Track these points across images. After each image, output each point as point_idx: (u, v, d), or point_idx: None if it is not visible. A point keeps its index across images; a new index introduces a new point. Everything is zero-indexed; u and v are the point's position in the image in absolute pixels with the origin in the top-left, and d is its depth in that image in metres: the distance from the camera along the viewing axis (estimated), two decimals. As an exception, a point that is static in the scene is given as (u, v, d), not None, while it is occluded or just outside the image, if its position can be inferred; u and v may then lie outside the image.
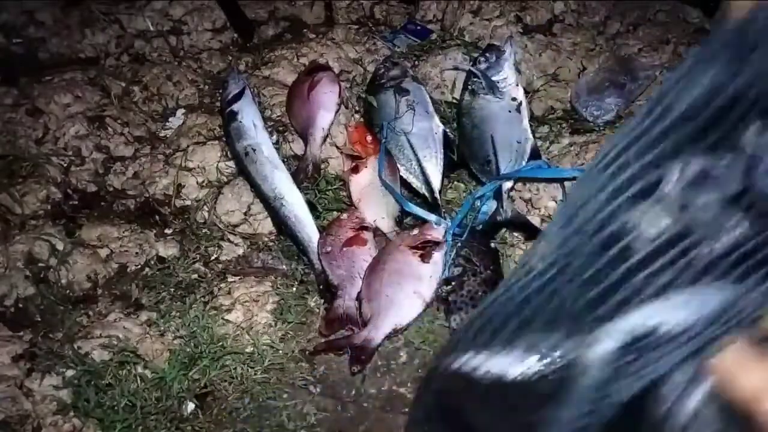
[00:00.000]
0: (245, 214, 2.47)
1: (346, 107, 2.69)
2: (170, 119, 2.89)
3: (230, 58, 3.25)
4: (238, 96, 2.59)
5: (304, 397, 1.99)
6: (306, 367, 2.05)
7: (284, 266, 2.37)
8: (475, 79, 2.53)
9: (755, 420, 1.12)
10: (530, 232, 2.27)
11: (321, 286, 2.24)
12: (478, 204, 2.35)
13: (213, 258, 2.37)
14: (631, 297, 1.12)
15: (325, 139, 2.59)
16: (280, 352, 2.06)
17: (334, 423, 1.94)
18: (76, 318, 2.11)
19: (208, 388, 1.98)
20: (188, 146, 2.62)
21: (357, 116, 2.74)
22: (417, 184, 2.44)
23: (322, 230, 2.34)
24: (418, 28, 3.21)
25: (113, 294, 2.25)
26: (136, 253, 2.35)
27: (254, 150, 2.45)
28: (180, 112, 2.92)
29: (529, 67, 2.82)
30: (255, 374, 2.01)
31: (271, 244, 2.43)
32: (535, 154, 2.38)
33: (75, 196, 2.59)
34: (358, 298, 2.14)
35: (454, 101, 2.71)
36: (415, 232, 2.25)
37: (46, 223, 2.38)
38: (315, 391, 2.01)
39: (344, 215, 2.39)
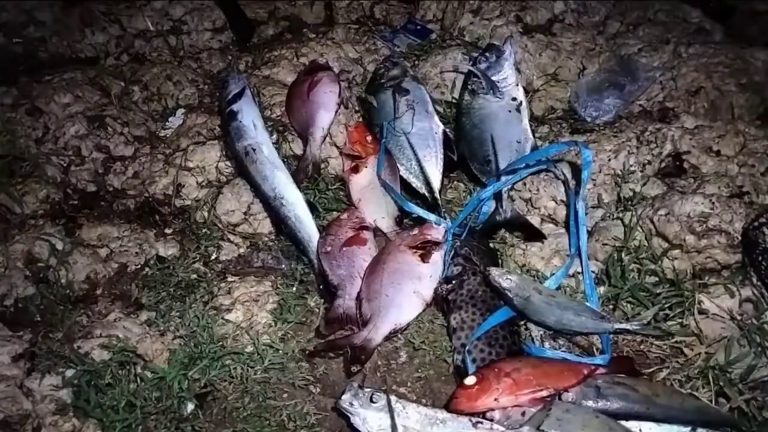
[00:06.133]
0: (245, 214, 2.47)
1: (346, 107, 2.69)
2: (170, 119, 2.89)
3: (230, 57, 3.25)
4: (238, 96, 2.59)
5: (304, 396, 1.99)
6: (306, 367, 2.05)
7: (284, 266, 2.37)
8: (475, 79, 2.52)
9: None
10: (529, 232, 2.27)
11: (321, 286, 2.24)
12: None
13: (213, 258, 2.38)
14: None
15: (324, 139, 2.59)
16: (280, 352, 2.05)
17: (334, 423, 1.93)
18: (76, 318, 2.11)
19: (208, 388, 1.98)
20: (188, 146, 2.62)
21: (357, 116, 2.74)
22: (417, 184, 2.43)
23: (322, 230, 2.34)
24: (418, 27, 3.21)
25: (113, 294, 2.25)
26: (136, 253, 2.35)
27: (254, 150, 2.45)
28: (180, 111, 2.92)
29: (529, 67, 2.82)
30: (255, 374, 2.00)
31: (271, 244, 2.43)
32: (534, 154, 2.38)
33: (75, 196, 2.59)
34: (358, 298, 2.13)
35: (454, 101, 2.71)
36: (415, 231, 2.25)
37: (46, 223, 2.38)
38: (315, 391, 2.01)
39: (344, 215, 2.39)
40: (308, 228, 2.33)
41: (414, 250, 2.18)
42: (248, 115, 2.54)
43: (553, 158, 2.31)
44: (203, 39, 3.35)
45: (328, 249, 2.24)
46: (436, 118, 2.53)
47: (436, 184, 2.40)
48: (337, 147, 2.63)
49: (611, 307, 2.04)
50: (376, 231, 2.37)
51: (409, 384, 2.02)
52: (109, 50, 3.27)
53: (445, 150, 2.46)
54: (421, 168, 2.42)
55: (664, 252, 2.03)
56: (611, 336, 1.96)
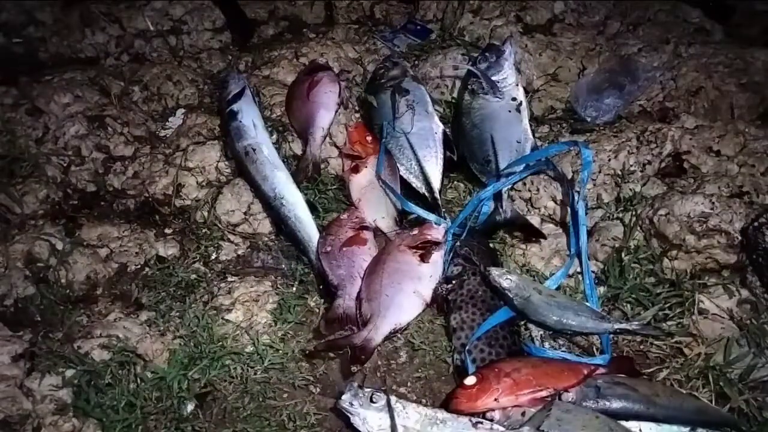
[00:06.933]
0: (245, 214, 2.47)
1: (346, 107, 2.69)
2: (170, 119, 2.89)
3: (230, 57, 3.25)
4: (238, 96, 2.59)
5: (304, 396, 1.99)
6: (306, 366, 2.05)
7: (284, 266, 2.37)
8: (475, 79, 2.52)
9: None
10: (529, 232, 2.27)
11: (321, 286, 2.24)
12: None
13: (213, 258, 2.37)
14: None
15: (324, 139, 2.59)
16: (280, 352, 2.06)
17: (334, 423, 1.93)
18: (76, 318, 2.11)
19: (208, 388, 1.98)
20: (188, 146, 2.62)
21: (357, 116, 2.74)
22: (417, 184, 2.43)
23: (322, 230, 2.34)
24: (418, 27, 3.21)
25: (113, 294, 2.25)
26: (136, 252, 2.35)
27: (254, 150, 2.45)
28: (180, 111, 2.92)
29: (529, 67, 2.82)
30: (255, 374, 2.01)
31: (271, 244, 2.43)
32: (534, 154, 2.38)
33: (75, 196, 2.59)
34: (358, 298, 2.13)
35: (454, 101, 2.71)
36: (415, 231, 2.25)
37: (46, 223, 2.38)
38: (315, 391, 2.01)
39: (344, 215, 2.39)
40: (308, 228, 2.33)
41: (414, 250, 2.17)
42: (248, 115, 2.54)
43: (553, 158, 2.31)
44: (203, 39, 3.35)
45: (328, 249, 2.24)
46: (436, 118, 2.52)
47: (436, 184, 2.39)
48: (337, 147, 2.64)
49: (611, 307, 2.05)
50: (376, 231, 2.36)
51: (409, 384, 2.02)
52: (109, 50, 3.27)
53: (445, 150, 2.46)
54: (421, 168, 2.42)
55: (663, 252, 2.03)
56: (611, 336, 1.96)
